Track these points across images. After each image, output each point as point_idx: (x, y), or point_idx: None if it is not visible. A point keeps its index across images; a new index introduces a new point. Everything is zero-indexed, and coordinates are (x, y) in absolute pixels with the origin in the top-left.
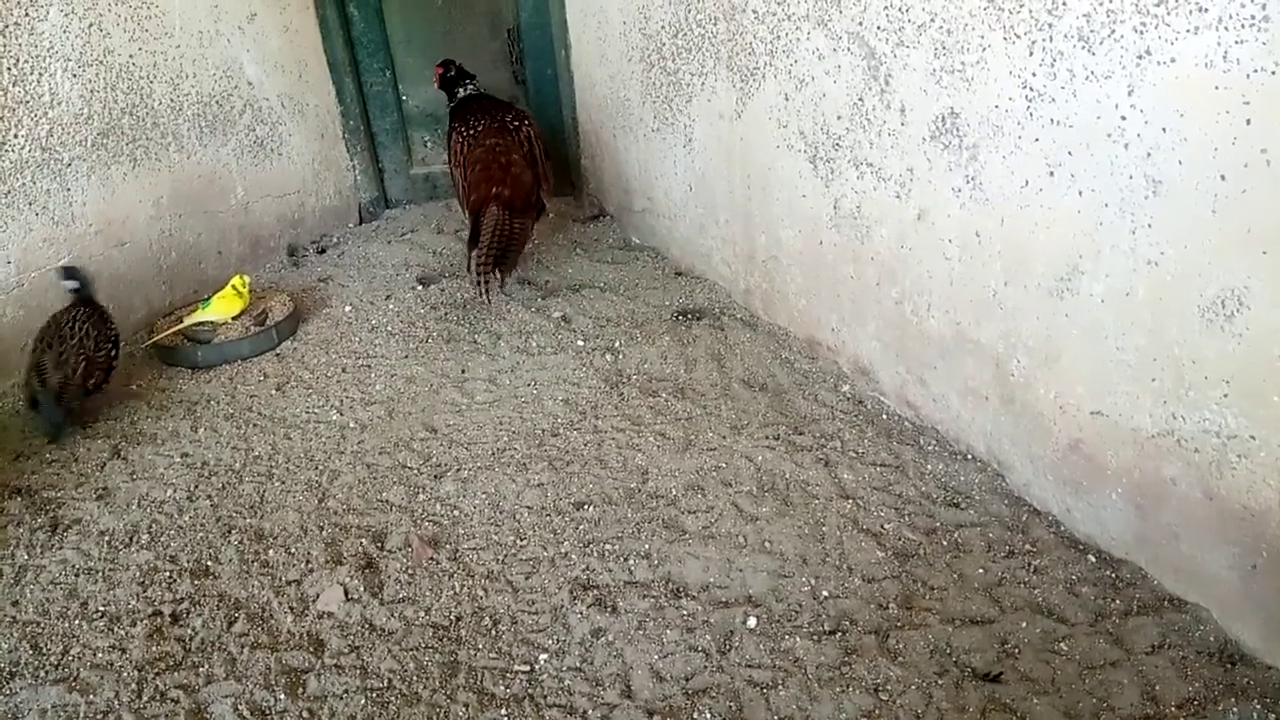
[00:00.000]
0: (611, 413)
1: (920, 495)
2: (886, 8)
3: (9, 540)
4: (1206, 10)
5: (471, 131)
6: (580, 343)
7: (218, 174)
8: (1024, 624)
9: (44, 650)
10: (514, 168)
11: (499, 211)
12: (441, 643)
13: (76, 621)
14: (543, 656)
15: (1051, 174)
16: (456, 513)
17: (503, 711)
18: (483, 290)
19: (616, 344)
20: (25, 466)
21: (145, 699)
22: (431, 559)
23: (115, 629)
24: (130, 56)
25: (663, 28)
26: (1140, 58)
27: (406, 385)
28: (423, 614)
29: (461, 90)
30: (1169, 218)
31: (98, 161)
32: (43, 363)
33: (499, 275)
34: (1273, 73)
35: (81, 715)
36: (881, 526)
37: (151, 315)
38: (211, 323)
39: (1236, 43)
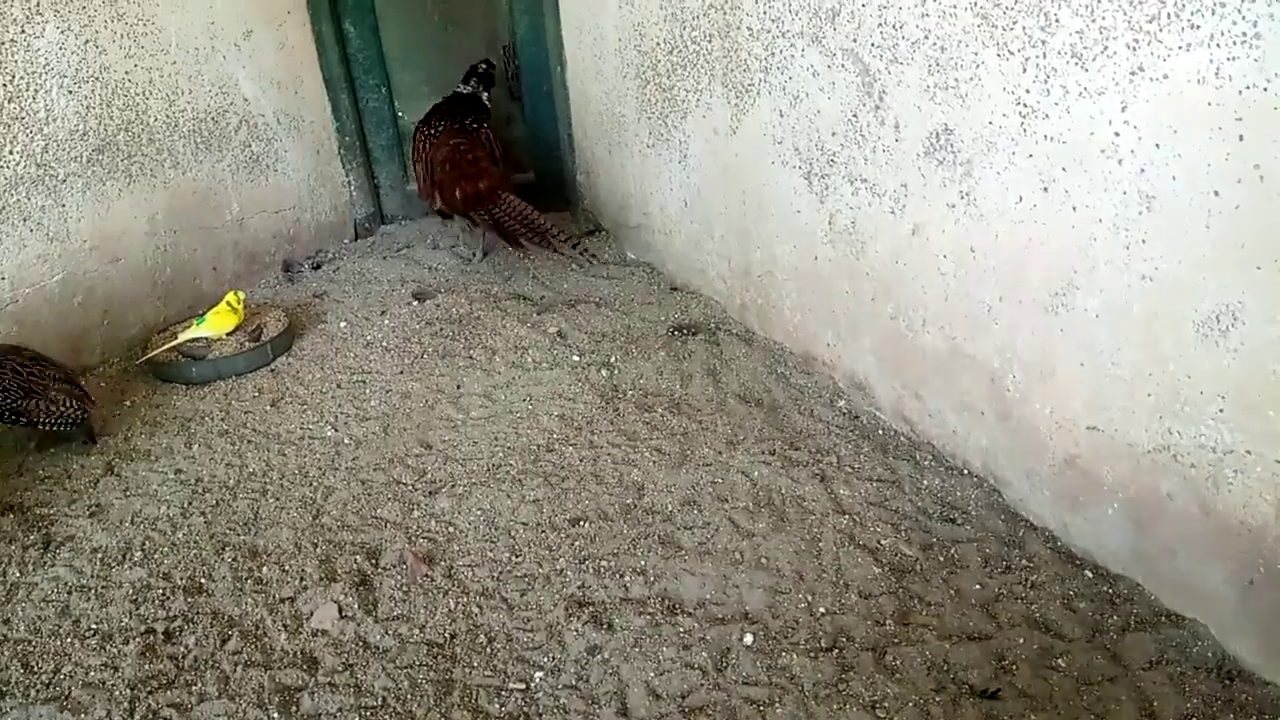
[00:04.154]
0: (607, 428)
1: (916, 510)
2: (880, 25)
3: (1, 558)
4: (1199, 27)
5: (432, 131)
6: (576, 358)
7: (213, 190)
8: (1021, 640)
9: (35, 669)
10: (481, 162)
11: (513, 197)
12: (436, 660)
13: (69, 639)
14: (538, 674)
15: (1045, 190)
16: (451, 529)
17: None
18: (585, 253)
19: (612, 359)
20: (18, 484)
21: (138, 718)
22: (426, 576)
23: (108, 647)
24: (126, 73)
25: (658, 44)
26: (1133, 74)
27: (401, 401)
28: (417, 631)
29: (459, 88)
30: (1163, 233)
31: (93, 178)
32: None
33: (561, 239)
34: (1265, 89)
35: None
36: (878, 542)
37: (146, 331)
38: (206, 338)
39: (1229, 59)
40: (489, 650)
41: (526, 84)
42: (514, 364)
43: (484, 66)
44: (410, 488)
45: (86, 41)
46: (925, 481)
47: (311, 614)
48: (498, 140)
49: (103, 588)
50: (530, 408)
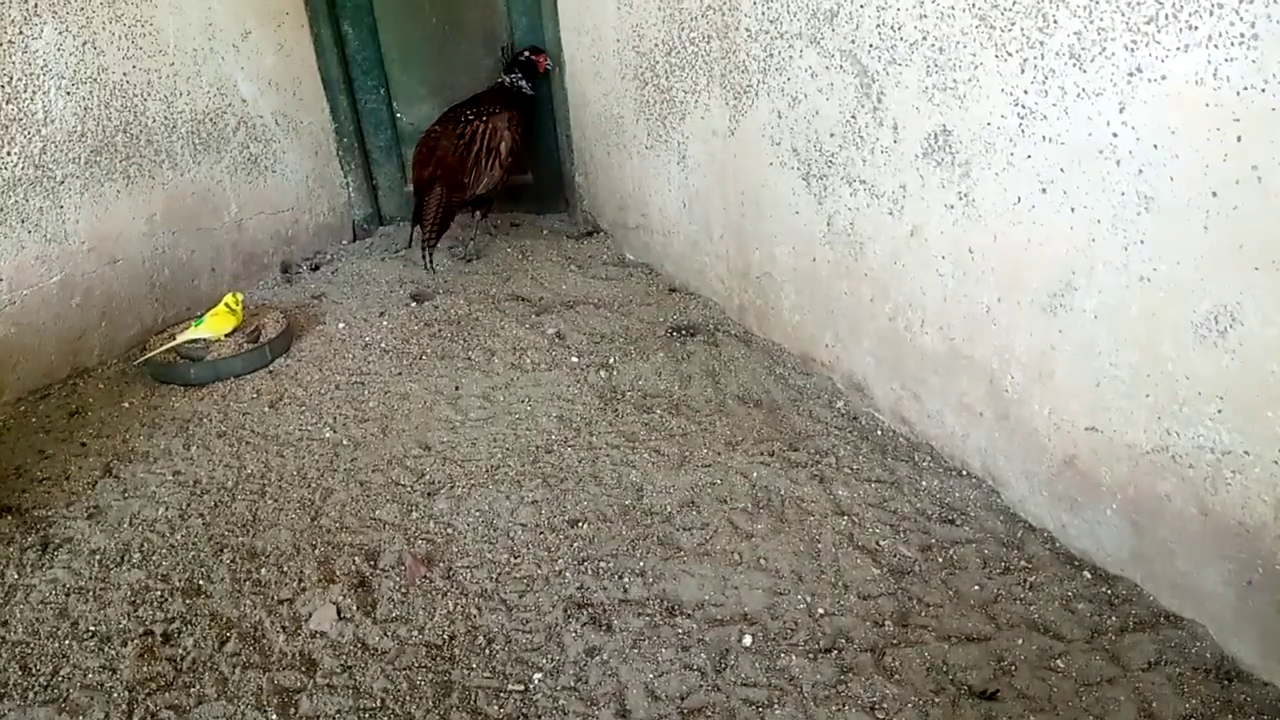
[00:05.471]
0: (606, 429)
1: (915, 512)
2: (879, 26)
3: None
4: (1197, 28)
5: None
6: (574, 359)
7: (211, 191)
8: (1020, 641)
9: (33, 671)
10: (439, 151)
11: (440, 191)
12: (435, 662)
13: (67, 641)
14: (537, 676)
15: (1044, 190)
16: (450, 530)
17: None
18: (427, 259)
19: (611, 360)
20: (15, 485)
21: None
22: (425, 577)
23: (106, 649)
24: (124, 74)
25: (656, 46)
26: (1131, 75)
27: (400, 402)
28: (416, 633)
29: (500, 78)
30: (1161, 234)
31: (91, 179)
32: None
33: (434, 245)
34: (1262, 90)
35: None
36: (877, 543)
37: (144, 333)
38: (204, 340)
39: (1227, 60)
40: (488, 652)
41: None
42: (512, 365)
43: (525, 55)
44: (409, 489)
45: (84, 43)
46: (924, 482)
47: (310, 615)
48: (500, 135)
49: (101, 589)
50: (529, 409)
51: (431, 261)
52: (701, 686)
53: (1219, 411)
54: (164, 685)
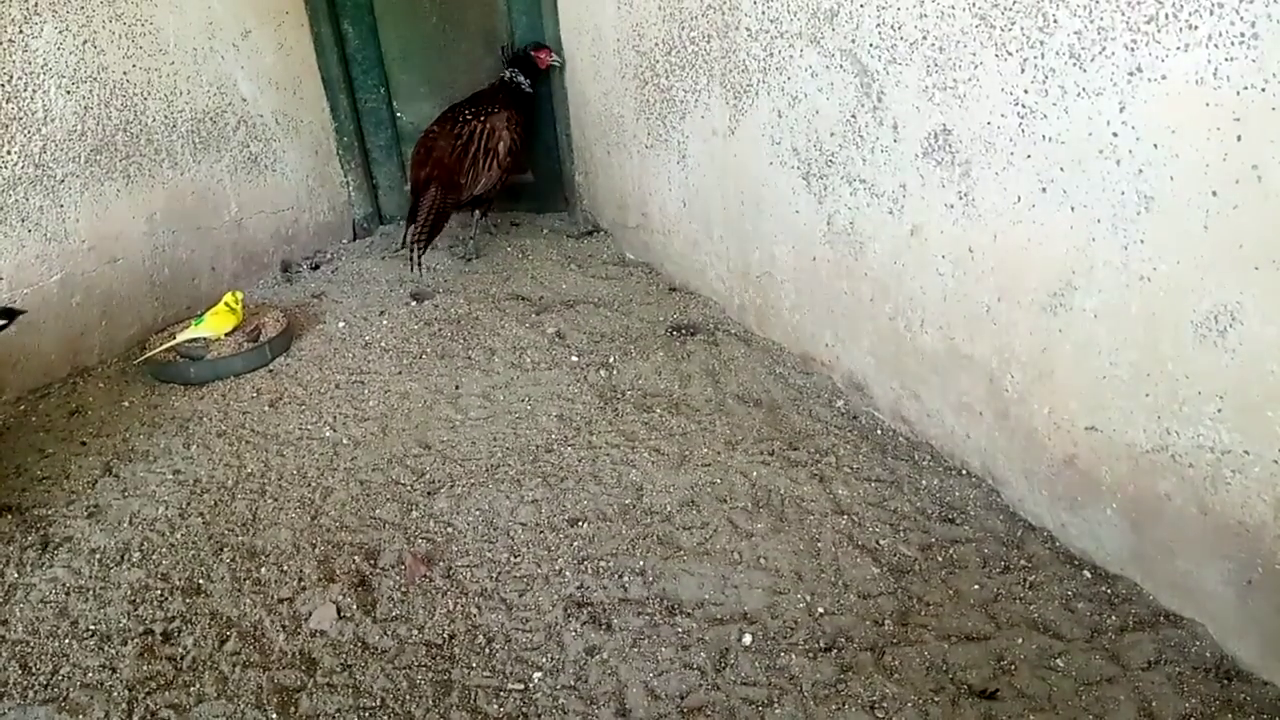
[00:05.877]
0: (606, 428)
1: (915, 511)
2: (879, 25)
3: None
4: (1197, 28)
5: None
6: (574, 358)
7: (211, 190)
8: (1020, 640)
9: (33, 670)
10: (436, 152)
11: (435, 191)
12: (435, 661)
13: (66, 640)
14: (537, 675)
15: (1044, 190)
16: (450, 530)
17: None
18: (415, 259)
19: (611, 359)
20: (16, 484)
21: (136, 719)
22: (425, 576)
23: (106, 648)
24: (124, 73)
25: (656, 45)
26: (1131, 75)
27: (400, 401)
28: (416, 632)
29: (503, 73)
30: (1161, 234)
31: (91, 178)
32: None
33: (424, 246)
34: (1262, 89)
35: None
36: (877, 542)
37: (144, 332)
38: (204, 339)
39: (1227, 60)
40: (487, 651)
41: None
42: (512, 364)
43: (524, 51)
44: (409, 488)
45: (85, 42)
46: (924, 482)
47: (310, 614)
48: (499, 135)
49: (101, 588)
50: (529, 408)
51: (420, 263)
52: (701, 685)
53: (1219, 411)
54: (164, 684)
